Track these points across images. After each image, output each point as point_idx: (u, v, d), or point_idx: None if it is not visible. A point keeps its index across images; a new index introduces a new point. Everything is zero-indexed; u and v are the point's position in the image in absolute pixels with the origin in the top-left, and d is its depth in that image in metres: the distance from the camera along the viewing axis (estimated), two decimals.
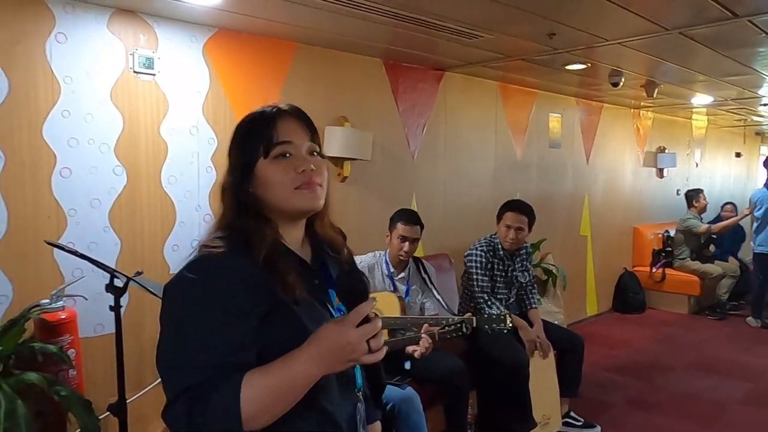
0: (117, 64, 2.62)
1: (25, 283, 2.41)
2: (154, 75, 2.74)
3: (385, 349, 0.97)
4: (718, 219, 6.50)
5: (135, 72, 2.67)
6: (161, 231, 2.81)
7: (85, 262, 2.16)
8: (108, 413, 2.17)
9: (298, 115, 1.12)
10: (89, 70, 2.54)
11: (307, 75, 3.37)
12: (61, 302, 2.36)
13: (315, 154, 1.11)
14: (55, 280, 2.47)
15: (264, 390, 0.92)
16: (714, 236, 6.12)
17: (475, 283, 3.34)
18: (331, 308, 1.10)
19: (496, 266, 3.40)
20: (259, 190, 1.07)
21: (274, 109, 1.11)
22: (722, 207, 6.64)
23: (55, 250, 2.43)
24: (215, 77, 2.96)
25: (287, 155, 1.07)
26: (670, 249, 6.41)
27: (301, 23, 2.95)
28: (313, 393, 0.97)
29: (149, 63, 2.71)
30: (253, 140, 1.08)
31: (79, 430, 2.09)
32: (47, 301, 2.35)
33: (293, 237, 1.12)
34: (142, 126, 2.69)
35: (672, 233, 6.46)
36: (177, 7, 2.60)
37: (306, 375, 0.93)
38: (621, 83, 4.30)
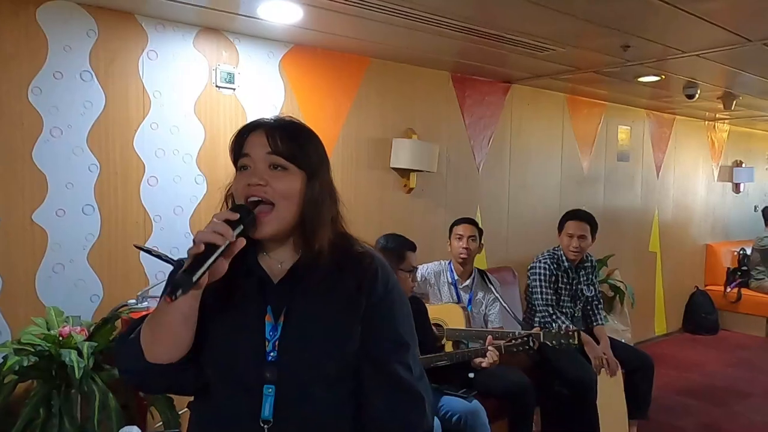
0: (201, 79, 2.78)
1: (114, 283, 2.58)
2: (234, 89, 2.88)
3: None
4: None
5: (217, 86, 2.82)
6: None
7: (168, 265, 2.29)
8: (187, 409, 2.29)
9: (272, 129, 1.08)
10: (176, 84, 2.70)
11: (377, 88, 3.45)
12: (146, 302, 2.50)
13: (278, 167, 1.06)
14: (141, 281, 2.64)
15: (148, 322, 1.03)
16: None
17: (539, 296, 3.30)
18: (266, 324, 1.07)
19: (560, 279, 3.35)
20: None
21: (252, 123, 1.11)
22: None
23: (141, 253, 2.59)
24: (290, 91, 3.08)
25: (246, 168, 1.08)
26: (746, 268, 6.09)
27: (373, 38, 3.03)
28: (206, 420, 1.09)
29: (230, 78, 2.86)
30: (231, 154, 1.12)
31: (160, 423, 2.21)
32: (134, 301, 2.50)
33: (275, 247, 1.11)
34: (222, 137, 2.83)
35: (748, 251, 6.13)
36: (257, 24, 2.73)
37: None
38: (696, 95, 4.16)
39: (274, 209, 1.05)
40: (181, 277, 0.93)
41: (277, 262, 1.12)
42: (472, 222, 3.22)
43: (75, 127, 2.45)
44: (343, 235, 1.14)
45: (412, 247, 2.65)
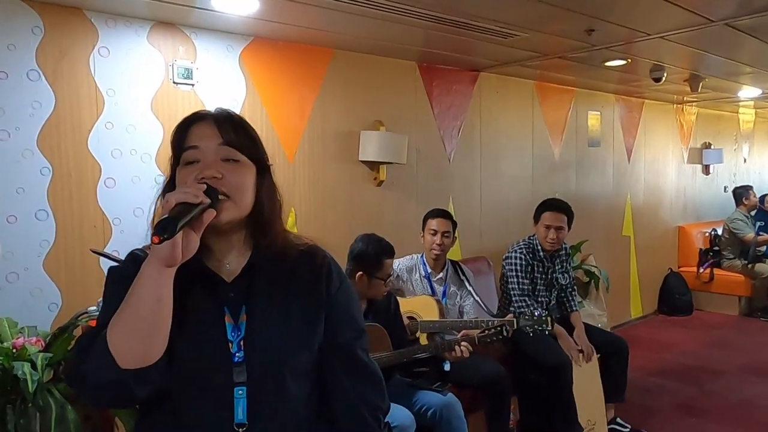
0: (157, 76, 2.68)
1: (72, 291, 2.48)
2: (192, 85, 2.79)
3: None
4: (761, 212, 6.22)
5: (174, 83, 2.73)
6: None
7: None
8: None
9: (221, 119, 1.05)
10: (130, 82, 2.60)
11: (342, 80, 3.38)
12: None
13: (231, 160, 1.03)
14: (101, 288, 2.53)
15: (118, 318, 0.93)
16: (758, 250, 5.84)
17: (515, 285, 3.28)
18: (227, 325, 1.04)
19: (536, 268, 3.33)
20: None
21: (195, 114, 1.07)
22: (762, 199, 6.32)
23: (102, 258, 2.50)
24: (251, 85, 3.00)
25: (195, 162, 1.02)
26: (717, 248, 6.18)
27: (336, 29, 2.96)
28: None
29: (188, 73, 2.76)
30: (172, 147, 1.07)
31: None
32: (94, 308, 2.40)
33: (220, 247, 1.07)
34: None
35: (720, 232, 6.22)
36: (214, 17, 2.64)
37: (144, 279, 0.92)
38: (663, 78, 4.18)
39: (231, 200, 1.01)
40: (165, 220, 0.88)
41: (224, 263, 1.08)
42: (446, 216, 3.15)
43: (23, 129, 2.34)
44: (286, 231, 1.13)
45: (390, 252, 2.58)
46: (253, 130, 1.10)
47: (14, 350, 1.96)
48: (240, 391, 1.01)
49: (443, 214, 3.16)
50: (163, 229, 0.88)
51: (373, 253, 2.53)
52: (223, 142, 1.02)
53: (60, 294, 2.45)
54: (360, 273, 2.50)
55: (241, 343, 1.02)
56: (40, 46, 2.37)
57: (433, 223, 3.12)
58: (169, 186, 1.06)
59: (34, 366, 1.87)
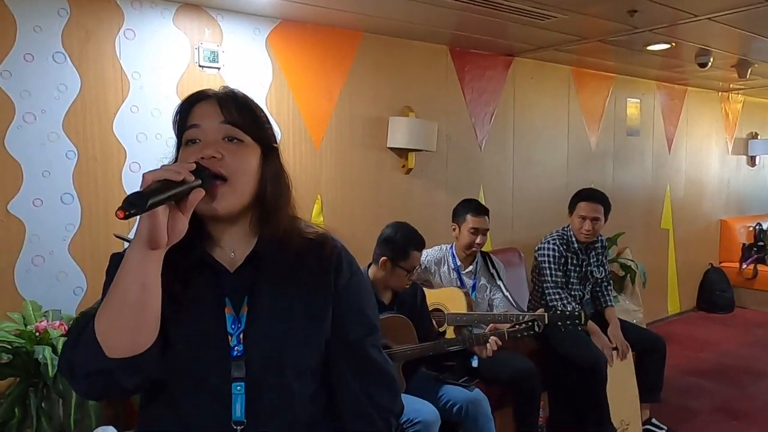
0: (183, 59, 2.64)
1: (97, 275, 2.45)
2: (218, 68, 2.74)
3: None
4: None
5: (200, 66, 2.68)
6: None
7: None
8: None
9: (224, 98, 0.99)
10: (156, 65, 2.57)
11: (371, 65, 3.29)
12: None
13: (235, 140, 0.97)
14: None
15: (104, 306, 0.88)
16: None
17: (548, 277, 3.15)
18: (227, 317, 0.98)
19: (569, 260, 3.20)
20: None
21: (197, 93, 1.01)
22: None
23: (126, 243, 2.48)
24: (278, 69, 2.94)
25: (196, 141, 0.97)
26: (762, 243, 5.90)
27: (366, 11, 2.87)
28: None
29: (214, 57, 2.72)
30: (175, 127, 1.02)
31: None
32: None
33: (224, 236, 1.01)
34: None
35: (765, 226, 5.94)
36: None
37: (129, 264, 0.85)
38: (709, 64, 3.96)
39: (228, 184, 0.94)
40: (134, 195, 0.80)
41: (229, 251, 1.02)
42: (487, 213, 3.01)
43: (49, 112, 2.33)
44: (295, 218, 1.06)
45: (420, 245, 2.49)
46: (260, 109, 1.04)
47: (37, 334, 1.96)
48: (238, 387, 0.95)
49: (484, 211, 3.00)
50: (130, 204, 0.79)
51: (402, 242, 2.45)
52: (224, 120, 0.97)
53: (85, 278, 2.45)
54: (384, 258, 2.43)
55: (241, 336, 0.96)
56: (66, 28, 2.35)
57: (476, 221, 2.95)
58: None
59: (54, 350, 1.86)
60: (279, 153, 1.05)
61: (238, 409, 0.95)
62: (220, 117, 0.97)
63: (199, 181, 0.88)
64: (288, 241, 1.01)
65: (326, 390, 1.05)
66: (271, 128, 1.04)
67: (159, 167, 0.88)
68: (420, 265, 2.96)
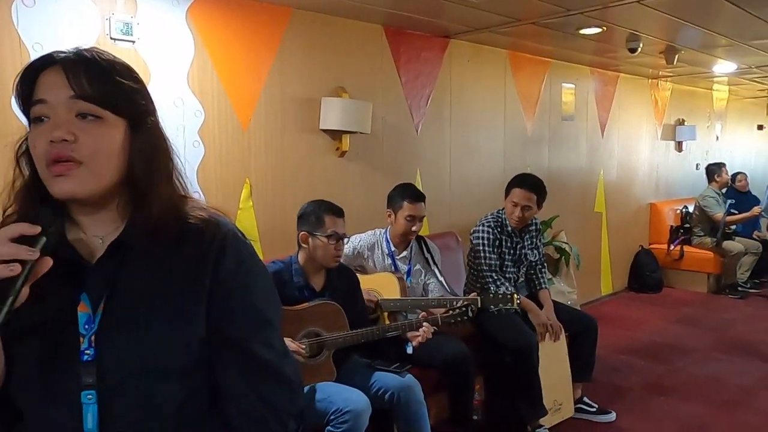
0: (92, 30, 2.43)
1: None
2: (133, 42, 2.54)
3: None
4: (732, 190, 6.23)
5: (112, 38, 2.48)
6: None
7: None
8: None
9: (71, 64, 0.82)
10: (60, 36, 2.34)
11: (302, 43, 3.16)
12: None
13: (89, 117, 0.82)
14: None
15: None
16: (727, 228, 5.82)
17: (482, 260, 3.14)
18: (80, 315, 0.85)
19: (504, 243, 3.20)
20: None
21: (42, 58, 0.84)
22: (733, 177, 6.33)
23: None
24: (201, 44, 2.76)
25: (43, 119, 0.82)
26: (688, 225, 6.15)
27: None
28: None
29: (127, 29, 2.52)
30: (19, 100, 0.86)
31: None
32: None
33: (89, 221, 0.88)
34: None
35: (691, 209, 6.20)
36: None
37: None
38: (639, 49, 4.04)
39: (85, 166, 0.81)
40: None
41: (96, 237, 0.89)
42: (423, 199, 2.94)
43: None
44: (181, 198, 0.92)
45: (334, 210, 2.42)
46: (125, 71, 0.87)
47: None
48: (89, 396, 0.83)
49: (421, 197, 2.93)
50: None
51: (313, 210, 2.41)
52: (75, 95, 0.81)
53: None
54: (303, 233, 2.39)
55: (93, 338, 0.84)
56: None
57: (413, 209, 2.87)
58: (20, 144, 0.87)
59: None
60: (155, 124, 0.90)
61: (90, 420, 0.83)
62: (69, 90, 0.81)
63: (44, 239, 0.77)
64: (163, 227, 0.86)
65: (210, 392, 0.92)
66: (141, 95, 0.88)
67: None
68: (349, 251, 2.89)
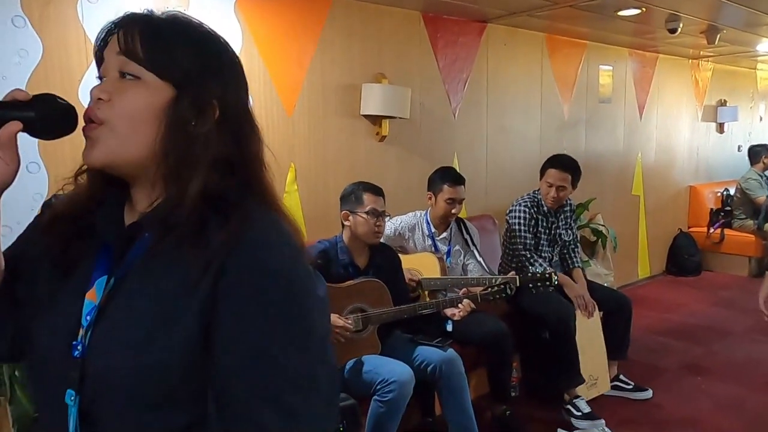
0: None
1: None
2: None
3: None
4: None
5: None
6: None
7: None
8: None
9: (131, 21, 0.76)
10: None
11: (342, 31, 3.25)
12: None
13: (128, 76, 0.74)
14: None
15: None
16: None
17: (518, 239, 3.22)
18: (86, 303, 0.74)
19: (540, 223, 3.26)
20: None
21: (118, 19, 0.77)
22: None
23: None
24: (248, 35, 2.89)
25: (102, 79, 0.78)
26: (729, 209, 6.06)
27: None
28: None
29: None
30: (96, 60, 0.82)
31: None
32: None
33: (134, 194, 0.80)
34: None
35: (732, 192, 6.09)
36: None
37: None
38: (679, 29, 4.00)
39: (106, 126, 0.73)
40: None
41: (140, 214, 0.79)
42: (463, 182, 3.03)
43: (10, 78, 2.26)
44: (227, 188, 0.76)
45: (372, 188, 2.54)
46: (203, 40, 0.78)
47: None
48: (71, 397, 0.71)
49: (461, 180, 3.01)
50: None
51: (351, 190, 2.54)
52: (120, 50, 0.74)
53: None
54: (344, 212, 2.52)
55: (89, 333, 0.72)
56: None
57: (453, 192, 2.96)
58: None
59: None
60: (214, 90, 0.76)
61: (72, 424, 0.71)
62: (117, 47, 0.75)
63: (31, 113, 0.72)
64: (184, 216, 0.72)
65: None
66: (209, 68, 0.77)
67: None
68: (391, 231, 3.00)
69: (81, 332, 0.72)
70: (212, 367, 0.69)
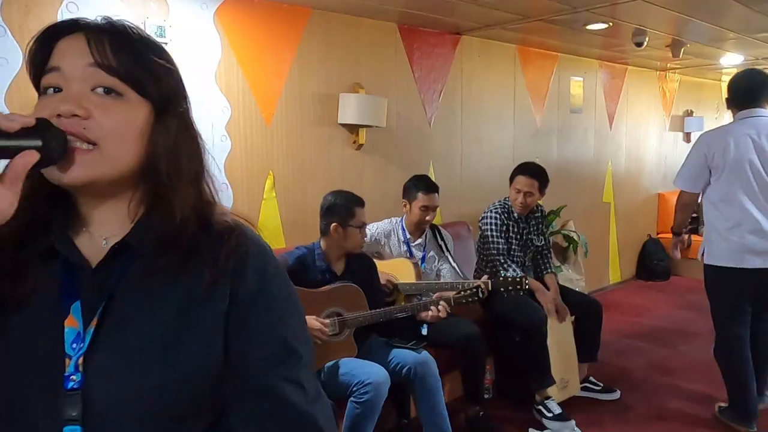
0: None
1: None
2: (166, 44, 2.73)
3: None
4: None
5: None
6: None
7: None
8: None
9: (97, 30, 0.70)
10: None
11: (320, 41, 3.33)
12: None
13: (112, 92, 0.70)
14: None
15: None
16: None
17: (491, 245, 3.32)
18: (67, 331, 0.70)
19: (511, 228, 3.37)
20: None
21: (67, 22, 0.72)
22: None
23: None
24: (227, 45, 2.94)
25: (54, 90, 0.70)
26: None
27: None
28: None
29: (161, 31, 2.70)
30: (30, 69, 0.74)
31: None
32: None
33: (93, 216, 0.74)
34: None
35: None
36: None
37: None
38: (645, 43, 4.16)
39: (98, 149, 0.68)
40: None
41: (101, 238, 0.75)
42: (437, 190, 3.12)
43: None
44: (207, 204, 0.78)
45: (360, 202, 2.62)
46: (157, 48, 0.75)
47: None
48: None
49: (434, 188, 3.09)
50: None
51: (344, 203, 2.58)
52: (94, 62, 0.69)
53: None
54: (334, 224, 2.55)
55: (80, 360, 0.68)
56: (5, 2, 2.30)
57: (426, 200, 3.04)
58: None
59: None
60: (185, 112, 0.77)
61: None
62: (89, 57, 0.69)
63: (39, 142, 0.63)
64: (179, 234, 0.72)
65: None
66: (173, 78, 0.75)
67: None
68: (368, 238, 3.06)
69: (69, 362, 0.68)
70: (238, 363, 0.74)
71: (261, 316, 0.76)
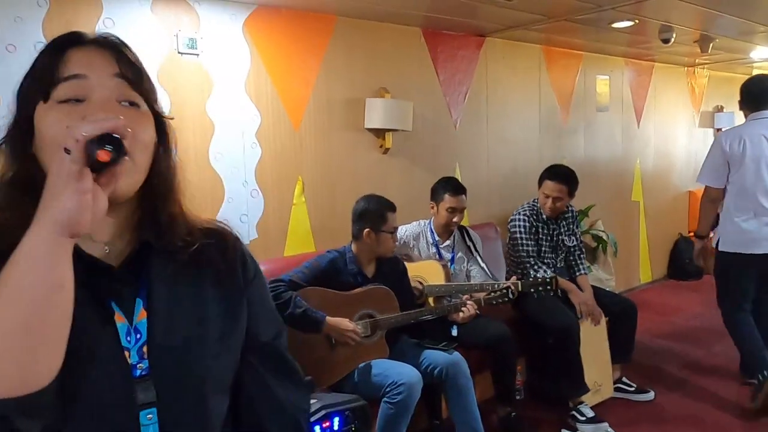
0: (163, 47, 2.70)
1: None
2: (197, 55, 2.81)
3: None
4: None
5: (179, 53, 2.75)
6: (211, 206, 2.91)
7: None
8: None
9: (117, 45, 0.75)
10: (137, 52, 2.62)
11: (346, 48, 3.38)
12: None
13: (134, 104, 0.74)
14: None
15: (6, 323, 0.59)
16: None
17: (520, 247, 3.31)
18: (119, 327, 0.75)
19: (540, 230, 3.36)
20: (39, 150, 0.73)
21: (74, 34, 0.75)
22: None
23: None
24: (256, 54, 3.01)
25: (78, 100, 0.71)
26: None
27: None
28: None
29: (192, 43, 2.78)
30: (32, 76, 0.75)
31: None
32: None
33: (100, 225, 0.70)
34: (188, 105, 2.77)
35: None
36: None
37: (35, 256, 0.60)
38: (672, 39, 4.11)
39: (131, 159, 0.69)
40: (108, 136, 0.61)
41: (101, 243, 0.77)
42: (464, 192, 3.13)
43: None
44: (186, 208, 0.86)
45: (392, 207, 2.66)
46: (140, 60, 0.80)
47: None
48: (149, 416, 0.73)
49: (461, 190, 3.11)
50: (113, 145, 0.61)
51: (376, 209, 2.61)
52: (119, 73, 0.72)
53: None
54: (367, 230, 2.58)
55: (144, 349, 0.75)
56: (47, 18, 2.40)
57: (453, 201, 3.07)
58: (17, 128, 0.74)
59: None
60: (169, 125, 0.82)
61: None
62: (115, 68, 0.72)
63: (110, 147, 0.62)
64: (183, 231, 0.81)
65: (234, 403, 0.88)
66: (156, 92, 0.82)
67: (87, 119, 0.64)
68: (399, 239, 3.10)
69: (129, 354, 0.74)
70: (252, 332, 0.88)
71: (262, 297, 0.92)
